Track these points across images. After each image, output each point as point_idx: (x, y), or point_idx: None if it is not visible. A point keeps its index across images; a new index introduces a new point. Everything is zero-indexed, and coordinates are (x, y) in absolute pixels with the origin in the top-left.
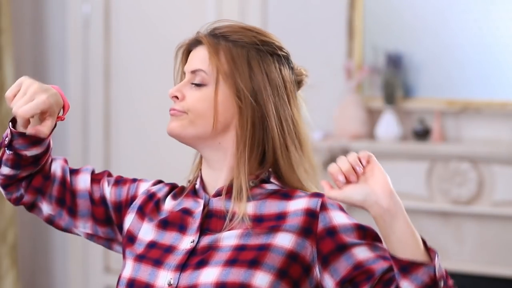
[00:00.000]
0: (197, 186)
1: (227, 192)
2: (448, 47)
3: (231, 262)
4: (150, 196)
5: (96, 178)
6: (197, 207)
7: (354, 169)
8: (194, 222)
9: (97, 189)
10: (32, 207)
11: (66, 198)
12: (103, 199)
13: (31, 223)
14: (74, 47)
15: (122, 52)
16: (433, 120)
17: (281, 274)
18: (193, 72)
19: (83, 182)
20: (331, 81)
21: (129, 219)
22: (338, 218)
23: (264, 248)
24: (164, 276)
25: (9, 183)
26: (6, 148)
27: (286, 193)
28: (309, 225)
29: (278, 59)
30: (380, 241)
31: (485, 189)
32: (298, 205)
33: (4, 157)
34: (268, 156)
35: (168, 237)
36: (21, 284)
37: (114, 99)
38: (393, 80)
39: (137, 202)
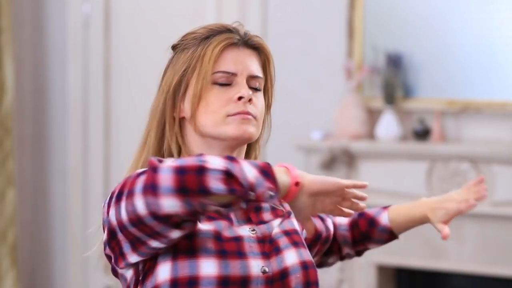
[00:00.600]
0: None
1: None
2: (448, 47)
3: (295, 244)
4: None
5: None
6: None
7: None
8: (234, 213)
9: None
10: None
11: None
12: None
13: (31, 223)
14: (74, 47)
15: (122, 52)
16: (433, 120)
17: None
18: (254, 77)
19: None
20: (331, 81)
21: None
22: None
23: (297, 232)
24: (256, 266)
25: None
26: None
27: None
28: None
29: None
30: None
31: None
32: None
33: (236, 206)
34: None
35: (221, 225)
36: (21, 284)
37: (114, 99)
38: (393, 80)
39: None
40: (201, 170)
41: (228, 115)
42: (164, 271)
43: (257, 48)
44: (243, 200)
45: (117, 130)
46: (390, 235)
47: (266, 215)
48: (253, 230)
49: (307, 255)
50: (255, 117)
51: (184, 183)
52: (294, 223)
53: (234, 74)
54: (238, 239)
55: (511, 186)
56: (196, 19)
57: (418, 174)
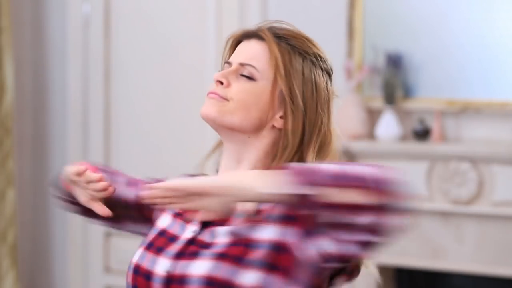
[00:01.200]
0: None
1: None
2: (448, 47)
3: (221, 256)
4: None
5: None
6: None
7: None
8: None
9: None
10: None
11: None
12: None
13: (31, 223)
14: (74, 47)
15: (122, 52)
16: (433, 120)
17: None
18: (243, 64)
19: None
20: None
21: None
22: None
23: (249, 245)
24: (163, 264)
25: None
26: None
27: None
28: (288, 211)
29: (325, 73)
30: None
31: (485, 189)
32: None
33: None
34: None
35: (176, 227)
36: (21, 284)
37: (114, 99)
38: (393, 80)
39: None
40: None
41: (207, 94)
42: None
43: (264, 39)
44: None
45: (117, 130)
46: None
47: (235, 221)
48: (194, 231)
49: (225, 272)
50: (225, 98)
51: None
52: (258, 231)
53: (229, 63)
54: (172, 239)
55: (511, 186)
56: (196, 19)
57: (418, 174)
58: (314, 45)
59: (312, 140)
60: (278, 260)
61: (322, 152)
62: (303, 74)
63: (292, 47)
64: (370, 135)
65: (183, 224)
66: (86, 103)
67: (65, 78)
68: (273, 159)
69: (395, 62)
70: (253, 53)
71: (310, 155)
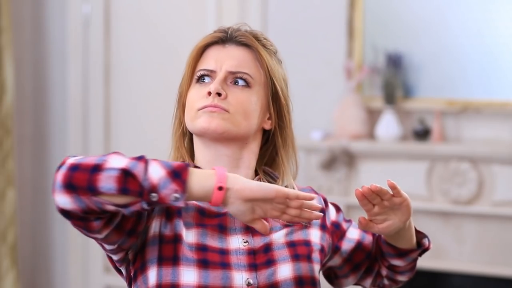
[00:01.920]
0: None
1: None
2: (448, 47)
3: (295, 257)
4: None
5: None
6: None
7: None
8: (234, 222)
9: None
10: None
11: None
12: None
13: (31, 223)
14: (74, 47)
15: (122, 52)
16: (433, 120)
17: (322, 265)
18: (235, 72)
19: None
20: (331, 81)
21: (156, 223)
22: (332, 212)
23: (309, 244)
24: (239, 277)
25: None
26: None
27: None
28: (323, 221)
29: (281, 64)
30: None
31: (485, 189)
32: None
33: (133, 209)
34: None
35: (211, 238)
36: (21, 284)
37: (114, 99)
38: (393, 80)
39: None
40: (96, 168)
41: (199, 109)
42: (152, 276)
43: (246, 44)
44: (144, 201)
45: (117, 130)
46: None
47: (275, 223)
48: (246, 241)
49: (306, 270)
50: (227, 111)
51: (72, 180)
52: (309, 234)
53: (213, 71)
54: (223, 252)
55: (511, 186)
56: (196, 19)
57: (418, 174)
58: (271, 42)
59: (289, 133)
60: (322, 259)
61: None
62: (278, 72)
63: (267, 49)
64: (370, 135)
65: (220, 235)
66: (86, 103)
67: (65, 78)
68: (261, 159)
69: (395, 62)
70: (240, 59)
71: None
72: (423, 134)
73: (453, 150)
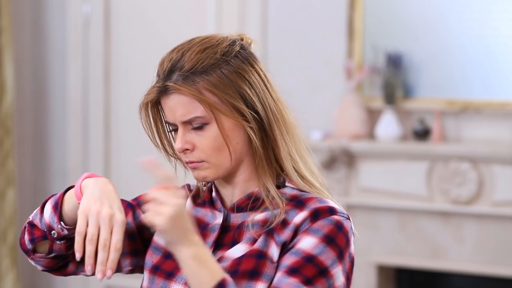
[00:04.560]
0: (213, 195)
1: (247, 205)
2: (448, 47)
3: (233, 273)
4: None
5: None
6: (214, 220)
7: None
8: (211, 236)
9: None
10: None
11: None
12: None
13: None
14: (74, 47)
15: (122, 52)
16: (433, 120)
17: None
18: (186, 122)
19: None
20: (331, 81)
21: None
22: (305, 242)
23: (260, 256)
24: None
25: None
26: (55, 240)
27: (301, 201)
28: (289, 240)
29: (243, 58)
30: (318, 281)
31: (485, 189)
32: (298, 218)
33: (56, 247)
34: (272, 158)
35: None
36: (21, 284)
37: (114, 99)
38: (393, 80)
39: None
40: (20, 234)
41: (184, 162)
42: (143, 277)
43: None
44: (52, 240)
45: (117, 130)
46: None
47: (248, 234)
48: None
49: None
50: (203, 160)
51: (20, 247)
52: (268, 245)
53: (174, 124)
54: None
55: (511, 186)
56: (196, 19)
57: (418, 174)
58: (213, 45)
59: (276, 131)
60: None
61: (287, 130)
62: (232, 84)
63: (204, 73)
64: (370, 135)
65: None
66: (86, 103)
67: (65, 78)
68: (263, 171)
69: (395, 62)
70: (185, 105)
71: (280, 141)
72: (423, 134)
73: (453, 150)
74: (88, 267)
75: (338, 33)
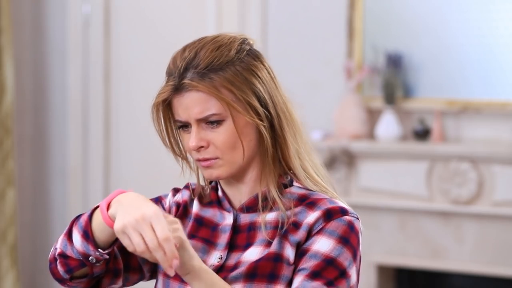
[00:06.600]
0: (220, 194)
1: (256, 204)
2: (448, 47)
3: (250, 276)
4: (177, 206)
5: None
6: (223, 220)
7: None
8: (222, 237)
9: None
10: None
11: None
12: None
13: (31, 223)
14: (74, 47)
15: (122, 52)
16: (433, 120)
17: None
18: (201, 119)
19: None
20: (331, 81)
21: None
22: (322, 244)
23: (276, 259)
24: None
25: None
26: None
27: (311, 202)
28: (304, 240)
29: (254, 55)
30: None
31: (485, 189)
32: (311, 218)
33: (97, 270)
34: (280, 157)
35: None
36: (21, 284)
37: (114, 99)
38: (393, 80)
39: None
40: (50, 264)
41: (196, 160)
42: (157, 281)
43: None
44: (91, 265)
45: (117, 130)
46: None
47: (260, 235)
48: (220, 257)
49: None
50: (217, 157)
51: (53, 276)
52: (283, 247)
53: (187, 122)
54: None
55: (511, 186)
56: (196, 19)
57: (418, 174)
58: (227, 43)
59: (286, 130)
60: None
61: (294, 129)
62: (247, 81)
63: (220, 70)
64: (370, 135)
65: (205, 248)
66: (86, 103)
67: (65, 78)
68: (269, 171)
69: (395, 62)
70: (202, 102)
71: (290, 140)
72: (423, 134)
73: (453, 150)
74: (166, 271)
75: (338, 33)
